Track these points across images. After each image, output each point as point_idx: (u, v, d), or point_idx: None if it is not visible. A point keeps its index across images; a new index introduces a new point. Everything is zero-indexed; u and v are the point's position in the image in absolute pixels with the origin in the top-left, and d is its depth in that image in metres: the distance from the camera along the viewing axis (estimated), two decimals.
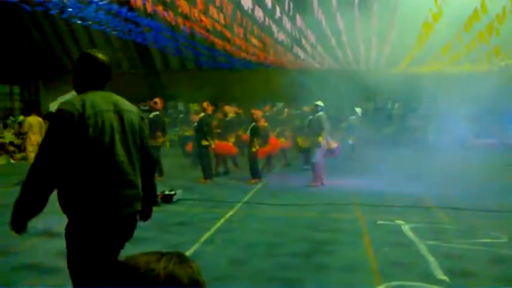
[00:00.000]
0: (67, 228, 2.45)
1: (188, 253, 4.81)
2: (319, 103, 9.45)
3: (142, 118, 2.74)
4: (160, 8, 10.44)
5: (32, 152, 10.15)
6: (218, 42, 13.00)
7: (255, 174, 9.77)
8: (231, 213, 6.87)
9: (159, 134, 9.95)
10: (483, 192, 8.29)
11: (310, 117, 9.89)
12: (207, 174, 9.83)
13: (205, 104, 10.24)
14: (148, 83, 22.85)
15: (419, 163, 11.62)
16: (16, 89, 20.28)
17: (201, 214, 6.85)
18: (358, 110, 12.30)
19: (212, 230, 5.84)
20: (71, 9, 11.52)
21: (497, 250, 5.06)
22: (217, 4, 9.70)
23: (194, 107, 19.84)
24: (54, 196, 2.44)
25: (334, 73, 19.04)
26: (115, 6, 11.31)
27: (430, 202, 7.64)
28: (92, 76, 2.53)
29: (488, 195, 7.94)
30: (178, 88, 20.61)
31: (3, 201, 6.76)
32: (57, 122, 2.34)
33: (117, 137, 2.44)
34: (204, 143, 9.81)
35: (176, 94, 21.76)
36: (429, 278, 4.24)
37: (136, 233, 5.65)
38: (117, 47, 18.90)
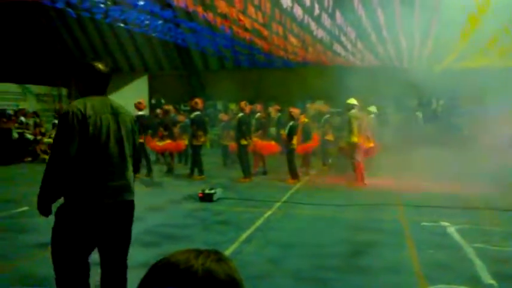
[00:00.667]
0: (58, 208, 2.80)
1: (227, 252, 4.84)
2: (352, 101, 9.24)
3: (135, 120, 3.19)
4: (200, 9, 10.59)
5: None
6: (256, 41, 13.01)
7: (294, 174, 9.72)
8: (269, 212, 6.86)
9: (200, 133, 10.13)
10: None
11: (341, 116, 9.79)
12: (247, 174, 9.87)
13: (242, 104, 10.30)
14: (189, 83, 23.25)
15: (465, 162, 11.16)
16: (64, 91, 21.15)
17: (240, 213, 6.88)
18: (371, 108, 11.61)
19: (251, 229, 5.86)
20: (113, 13, 11.92)
21: None
22: (256, 3, 9.74)
23: (233, 106, 20.01)
24: None
25: (376, 70, 18.70)
26: (156, 9, 11.56)
27: (477, 203, 7.32)
28: (93, 83, 2.91)
29: None
30: (217, 88, 20.80)
31: None
32: (66, 118, 2.72)
33: (112, 134, 2.84)
34: (243, 142, 9.87)
35: (215, 94, 22.02)
36: (476, 282, 4.06)
37: (178, 231, 5.75)
38: (158, 48, 19.32)
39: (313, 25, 11.49)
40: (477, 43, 11.72)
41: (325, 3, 10.05)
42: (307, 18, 10.93)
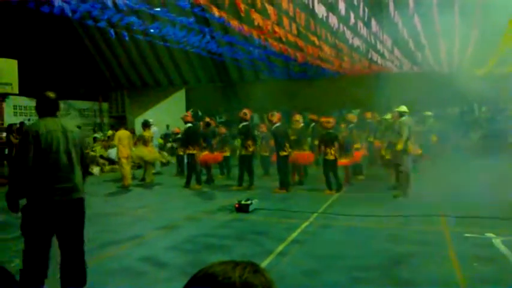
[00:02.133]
0: (22, 207, 3.65)
1: (264, 263, 4.83)
2: (403, 108, 9.01)
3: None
4: (235, 23, 10.74)
5: (124, 163, 10.88)
6: (291, 51, 13.02)
7: (329, 185, 9.58)
8: (306, 223, 6.79)
9: (249, 143, 10.21)
10: None
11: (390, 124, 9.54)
12: (284, 184, 9.84)
13: (271, 116, 10.29)
14: (224, 95, 23.54)
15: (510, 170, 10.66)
16: (105, 106, 21.92)
17: (276, 224, 6.85)
18: (388, 116, 11.10)
19: (288, 241, 5.81)
20: (152, 30, 12.27)
21: None
22: (291, 14, 9.77)
23: (266, 118, 20.08)
24: None
25: (414, 76, 18.31)
26: (193, 24, 11.80)
27: None
28: (45, 108, 3.80)
29: None
30: (253, 99, 20.95)
31: (96, 210, 7.35)
32: (24, 136, 3.64)
33: (61, 147, 3.68)
34: (282, 153, 9.84)
35: (251, 105, 22.15)
36: None
37: (214, 241, 5.80)
38: (195, 61, 19.69)
39: (348, 34, 11.39)
40: None
41: (360, 12, 9.94)
42: (342, 27, 10.86)
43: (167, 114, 20.15)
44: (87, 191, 4.13)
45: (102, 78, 21.11)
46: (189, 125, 10.92)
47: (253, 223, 6.90)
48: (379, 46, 13.15)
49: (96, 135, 17.86)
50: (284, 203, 8.49)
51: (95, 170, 14.12)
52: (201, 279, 0.96)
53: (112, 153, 14.62)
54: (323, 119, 10.17)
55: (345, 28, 10.95)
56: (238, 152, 11.82)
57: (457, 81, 14.67)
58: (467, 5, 9.90)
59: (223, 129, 12.73)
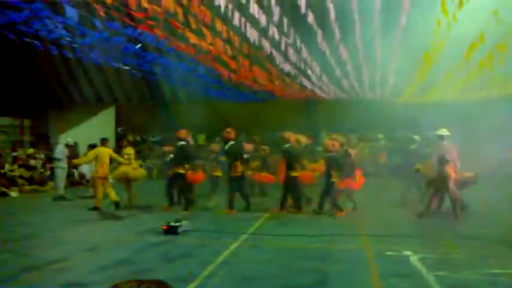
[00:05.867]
0: None
1: (189, 287, 4.75)
2: (443, 132, 9.02)
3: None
4: (168, 42, 10.71)
5: (98, 183, 9.99)
6: (225, 73, 13.19)
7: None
8: (236, 244, 6.79)
9: (237, 163, 9.76)
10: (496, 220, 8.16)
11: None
12: (299, 205, 9.69)
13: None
14: (158, 114, 23.16)
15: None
16: (27, 122, 20.64)
17: (205, 246, 6.76)
18: (380, 136, 11.24)
19: (216, 263, 5.76)
20: (80, 46, 11.85)
21: (508, 281, 4.92)
22: (225, 37, 9.94)
23: (202, 138, 19.99)
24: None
25: (342, 103, 19.27)
26: (123, 43, 11.56)
27: (440, 232, 7.52)
28: None
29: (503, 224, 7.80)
30: (187, 120, 20.85)
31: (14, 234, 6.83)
32: None
33: None
34: (293, 174, 9.64)
35: (185, 125, 21.99)
36: None
37: (140, 264, 5.59)
38: (126, 79, 19.21)
39: (279, 59, 11.80)
40: (434, 78, 12.31)
41: (292, 39, 10.35)
42: (274, 52, 11.23)
43: (95, 132, 19.42)
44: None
45: (24, 94, 19.89)
46: (183, 142, 10.20)
47: (182, 245, 6.77)
48: (309, 72, 13.73)
49: (15, 153, 16.68)
50: (215, 224, 8.44)
51: (13, 192, 13.14)
52: None
53: (85, 169, 13.58)
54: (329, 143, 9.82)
55: (277, 53, 11.36)
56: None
57: (379, 108, 15.67)
58: (389, 37, 10.66)
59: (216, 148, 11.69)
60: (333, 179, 9.27)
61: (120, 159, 10.56)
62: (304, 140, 11.31)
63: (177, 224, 7.53)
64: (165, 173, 12.60)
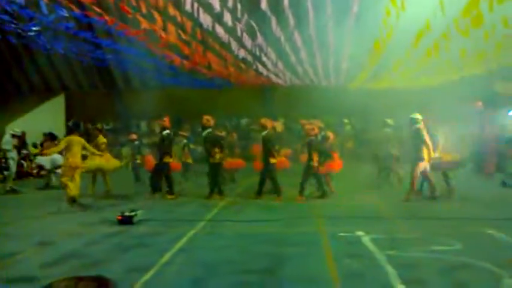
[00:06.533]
0: None
1: (148, 274, 4.72)
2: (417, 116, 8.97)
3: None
4: (119, 27, 10.35)
5: (66, 177, 9.11)
6: (178, 59, 12.96)
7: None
8: (193, 231, 6.78)
9: (216, 151, 9.82)
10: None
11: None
12: (279, 192, 9.65)
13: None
14: (110, 102, 22.52)
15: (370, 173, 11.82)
16: None
17: (162, 234, 6.71)
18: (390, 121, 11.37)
19: (173, 250, 5.74)
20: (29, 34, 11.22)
21: (451, 257, 5.23)
22: (179, 21, 9.76)
23: (155, 125, 19.63)
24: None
25: (299, 89, 19.49)
26: (73, 28, 11.08)
27: (389, 213, 7.85)
28: None
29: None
30: (140, 107, 20.42)
31: None
32: None
33: None
34: (272, 160, 9.63)
35: (139, 113, 21.56)
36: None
37: (94, 255, 5.47)
38: (76, 66, 18.46)
39: (234, 45, 11.73)
40: (385, 66, 12.67)
41: (246, 25, 10.31)
42: (228, 38, 11.14)
43: (43, 122, 18.61)
44: None
45: None
46: (167, 131, 10.10)
47: (137, 235, 6.68)
48: (264, 58, 13.75)
49: None
50: (172, 213, 8.38)
51: None
52: None
53: (44, 160, 12.73)
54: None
55: (232, 39, 11.28)
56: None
57: (333, 94, 15.96)
58: (342, 23, 10.83)
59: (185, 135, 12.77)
60: (314, 163, 9.38)
61: (93, 149, 9.99)
62: (279, 126, 11.58)
63: (132, 213, 7.41)
64: (133, 162, 12.85)
